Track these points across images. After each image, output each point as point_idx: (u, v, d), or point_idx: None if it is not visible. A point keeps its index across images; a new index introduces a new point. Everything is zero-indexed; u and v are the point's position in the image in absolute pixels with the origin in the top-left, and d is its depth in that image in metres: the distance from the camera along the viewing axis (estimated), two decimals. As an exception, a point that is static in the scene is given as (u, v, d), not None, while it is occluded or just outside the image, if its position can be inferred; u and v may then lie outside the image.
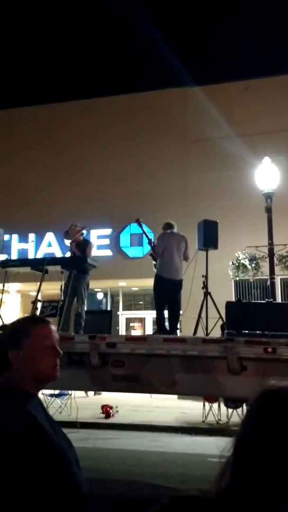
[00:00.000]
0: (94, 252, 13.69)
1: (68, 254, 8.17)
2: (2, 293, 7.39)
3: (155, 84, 16.16)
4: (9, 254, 12.31)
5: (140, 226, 7.60)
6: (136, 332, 15.68)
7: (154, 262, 7.24)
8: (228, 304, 5.79)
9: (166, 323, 6.89)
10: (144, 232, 7.71)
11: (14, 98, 19.24)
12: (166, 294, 6.79)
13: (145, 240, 8.19)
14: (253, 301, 11.31)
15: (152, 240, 7.51)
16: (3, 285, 7.01)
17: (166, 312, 6.98)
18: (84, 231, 7.79)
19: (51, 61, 26.33)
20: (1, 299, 7.56)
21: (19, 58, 26.43)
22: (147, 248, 13.08)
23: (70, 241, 7.61)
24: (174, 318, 6.94)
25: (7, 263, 7.31)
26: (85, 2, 26.97)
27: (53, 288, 7.55)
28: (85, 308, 7.13)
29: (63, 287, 7.09)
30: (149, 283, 11.86)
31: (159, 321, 6.87)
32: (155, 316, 14.50)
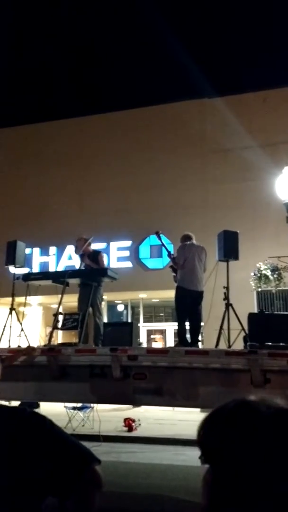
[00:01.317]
0: (114, 264, 13.86)
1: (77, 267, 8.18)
2: (25, 306, 7.48)
3: (175, 95, 16.29)
4: (31, 267, 12.46)
5: (159, 238, 7.59)
6: (157, 344, 15.60)
7: (174, 274, 7.22)
8: (251, 316, 5.71)
9: (188, 335, 6.84)
10: (163, 244, 7.70)
11: (40, 113, 19.67)
12: (188, 306, 6.74)
13: (165, 252, 8.18)
14: (276, 312, 11.13)
15: (171, 252, 7.50)
16: (25, 298, 7.08)
17: (187, 324, 6.94)
18: (91, 241, 7.81)
19: (76, 77, 26.84)
20: (24, 312, 7.65)
21: (44, 73, 27.02)
22: (167, 259, 13.06)
23: (80, 254, 7.70)
24: (196, 330, 6.89)
25: (29, 276, 7.39)
26: (105, 15, 27.46)
27: (74, 301, 7.58)
28: (104, 319, 7.14)
29: (78, 300, 7.13)
30: (170, 294, 11.83)
31: (180, 333, 6.82)
32: (176, 328, 14.39)
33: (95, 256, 7.54)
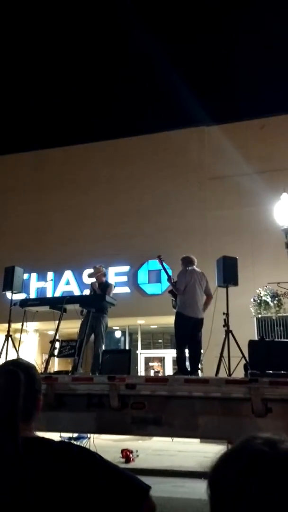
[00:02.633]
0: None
1: (86, 292, 8.19)
2: (21, 332, 7.37)
3: (173, 123, 16.58)
4: (28, 293, 12.37)
5: (161, 262, 7.55)
6: (153, 372, 15.35)
7: (173, 299, 7.15)
8: (251, 343, 5.62)
9: (187, 363, 6.71)
10: (164, 268, 7.66)
11: (40, 140, 19.95)
12: (188, 333, 6.64)
13: (164, 276, 8.14)
14: (276, 339, 11.00)
15: (171, 276, 7.44)
16: (22, 325, 6.99)
17: (186, 351, 6.82)
18: (101, 269, 7.92)
19: (75, 105, 27.35)
20: (20, 338, 7.54)
21: (45, 102, 27.54)
22: (165, 284, 12.99)
23: (92, 280, 7.73)
24: (196, 357, 6.77)
25: (27, 302, 7.32)
26: (102, 43, 28.23)
27: (71, 327, 7.50)
28: (103, 348, 7.05)
29: (80, 326, 7.04)
30: (168, 320, 11.72)
31: (180, 361, 6.68)
32: (175, 355, 14.21)
33: (105, 286, 7.59)
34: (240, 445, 0.82)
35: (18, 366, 1.37)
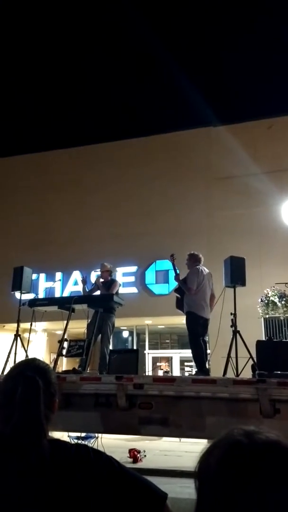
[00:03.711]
0: (120, 289, 13.78)
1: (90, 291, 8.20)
2: (30, 332, 7.42)
3: (180, 124, 16.57)
4: (36, 293, 12.43)
5: (173, 261, 7.44)
6: (162, 372, 15.36)
7: (178, 296, 7.05)
8: (259, 343, 5.60)
9: (192, 363, 6.69)
10: (175, 268, 7.54)
11: (46, 142, 20.04)
12: (200, 333, 6.64)
13: (172, 274, 8.08)
14: (284, 339, 10.95)
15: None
16: (31, 324, 7.03)
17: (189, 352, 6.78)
18: (109, 269, 7.93)
19: (81, 106, 27.44)
20: (29, 338, 7.59)
21: (49, 103, 27.65)
22: (173, 284, 12.99)
23: (98, 277, 7.75)
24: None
25: (35, 302, 7.36)
26: (109, 43, 28.29)
27: (79, 327, 7.53)
28: (110, 348, 7.07)
29: (88, 326, 7.07)
30: (176, 321, 11.73)
31: (201, 361, 6.60)
32: (182, 355, 14.16)
33: (110, 284, 7.58)
34: (221, 436, 0.85)
35: (36, 371, 1.35)
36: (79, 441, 8.89)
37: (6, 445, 1.24)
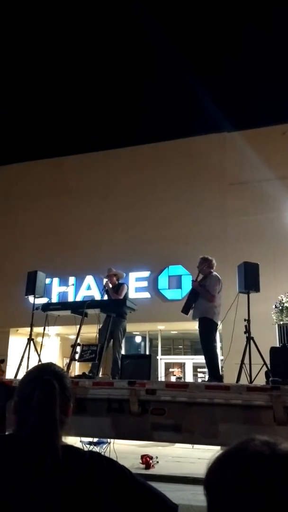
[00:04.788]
0: (132, 294, 13.81)
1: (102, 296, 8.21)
2: (43, 337, 7.45)
3: (194, 130, 16.59)
4: (50, 298, 12.50)
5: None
6: (174, 378, 15.29)
7: (190, 299, 6.92)
8: (273, 350, 5.55)
9: (205, 369, 6.66)
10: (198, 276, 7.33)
11: (61, 147, 20.23)
12: (215, 339, 6.62)
13: (187, 280, 7.98)
14: (298, 346, 10.80)
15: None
16: (44, 329, 7.06)
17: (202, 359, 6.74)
18: (122, 275, 7.97)
19: (95, 111, 27.63)
20: (42, 342, 7.62)
21: (65, 109, 27.91)
22: (186, 290, 12.95)
23: (106, 281, 7.78)
24: None
25: (48, 306, 7.40)
26: (125, 49, 28.46)
27: (92, 332, 7.54)
28: (122, 352, 7.06)
29: (100, 331, 7.07)
30: (188, 326, 11.67)
31: (216, 368, 6.58)
32: (195, 361, 14.05)
33: (118, 287, 7.62)
34: (238, 446, 0.82)
35: (53, 376, 1.36)
36: (92, 447, 8.88)
37: (21, 449, 1.24)
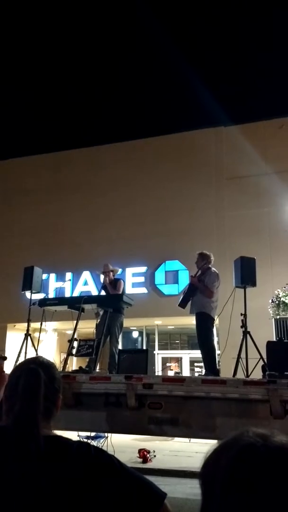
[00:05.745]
0: (129, 290, 13.82)
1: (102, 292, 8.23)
2: (40, 332, 7.46)
3: (190, 124, 16.55)
4: (47, 293, 12.49)
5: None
6: (173, 372, 15.35)
7: (187, 294, 6.92)
8: (269, 344, 5.57)
9: (201, 364, 6.68)
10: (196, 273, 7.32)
11: (59, 142, 20.16)
12: (213, 333, 6.64)
13: (183, 275, 8.02)
14: (295, 340, 10.86)
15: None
16: (41, 324, 7.07)
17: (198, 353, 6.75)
18: (117, 271, 8.01)
19: (92, 107, 27.52)
20: (39, 337, 7.63)
21: (61, 104, 27.78)
22: (182, 285, 12.96)
23: (105, 278, 7.81)
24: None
25: (45, 302, 7.39)
26: (121, 43, 28.33)
27: (89, 327, 7.56)
28: (119, 346, 7.07)
29: (97, 326, 7.09)
30: (185, 321, 11.69)
31: (214, 362, 6.60)
32: (192, 355, 14.08)
33: (115, 283, 7.65)
34: (232, 437, 0.83)
35: (39, 365, 1.39)
36: (89, 441, 8.91)
37: (8, 437, 1.25)
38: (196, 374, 13.79)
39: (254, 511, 0.73)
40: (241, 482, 0.75)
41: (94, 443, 9.03)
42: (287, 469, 0.76)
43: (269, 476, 0.75)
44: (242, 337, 6.28)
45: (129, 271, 14.45)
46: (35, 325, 7.64)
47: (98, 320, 7.13)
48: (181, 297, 7.02)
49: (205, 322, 6.61)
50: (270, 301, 11.56)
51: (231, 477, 0.77)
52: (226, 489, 0.77)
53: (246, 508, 0.73)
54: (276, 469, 0.75)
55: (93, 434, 8.78)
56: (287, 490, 0.74)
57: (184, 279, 13.11)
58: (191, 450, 10.42)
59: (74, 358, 9.18)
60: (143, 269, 14.57)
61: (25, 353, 6.94)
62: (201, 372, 8.30)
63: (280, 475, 0.75)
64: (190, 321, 7.26)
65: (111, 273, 7.91)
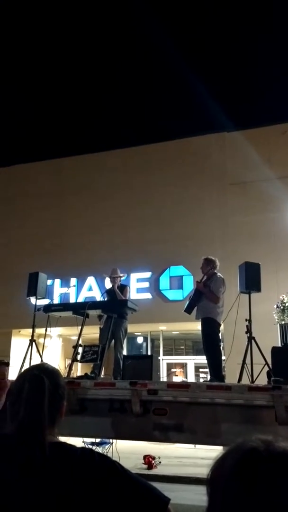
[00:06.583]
0: (134, 295, 13.82)
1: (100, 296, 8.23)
2: (45, 338, 7.47)
3: (194, 129, 16.59)
4: (51, 299, 12.52)
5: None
6: (178, 378, 15.29)
7: (195, 303, 6.91)
8: (274, 350, 5.55)
9: (206, 370, 6.66)
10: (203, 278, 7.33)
11: (60, 148, 20.25)
12: (219, 339, 6.62)
13: (191, 280, 8.00)
14: (300, 346, 10.79)
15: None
16: (46, 330, 7.08)
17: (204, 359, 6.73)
18: (123, 276, 8.00)
19: (95, 112, 27.65)
20: (44, 343, 7.64)
21: (65, 110, 27.93)
22: (187, 290, 12.95)
23: (114, 283, 7.80)
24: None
25: (50, 307, 7.41)
26: (124, 48, 28.47)
27: (93, 332, 7.56)
28: (123, 352, 7.06)
29: (102, 332, 7.08)
30: (190, 327, 11.68)
31: (219, 368, 6.58)
32: (197, 361, 14.02)
33: (122, 289, 7.66)
34: (238, 443, 0.85)
35: (44, 372, 1.39)
36: (94, 447, 8.88)
37: (11, 443, 1.26)
38: (201, 380, 13.74)
39: None
40: (244, 486, 0.77)
41: (99, 449, 9.00)
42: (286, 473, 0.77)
43: (272, 481, 0.76)
44: (247, 342, 6.26)
45: (134, 276, 14.46)
46: (40, 330, 7.65)
47: (102, 325, 7.14)
48: (187, 302, 7.01)
49: (211, 328, 6.59)
50: (275, 306, 11.49)
51: (234, 481, 0.78)
52: (229, 493, 0.78)
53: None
54: (278, 473, 0.77)
55: (98, 440, 8.76)
56: (286, 494, 0.75)
57: (189, 285, 13.10)
58: (196, 456, 10.36)
59: (79, 364, 9.18)
60: (147, 274, 14.58)
61: (30, 358, 6.95)
62: (206, 378, 8.27)
63: (282, 479, 0.76)
64: (195, 326, 7.26)
65: (119, 278, 7.91)
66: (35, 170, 16.91)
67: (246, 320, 6.44)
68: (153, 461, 9.23)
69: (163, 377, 14.23)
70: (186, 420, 5.05)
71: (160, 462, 9.49)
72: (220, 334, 6.72)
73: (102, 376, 6.60)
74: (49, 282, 10.43)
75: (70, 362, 6.84)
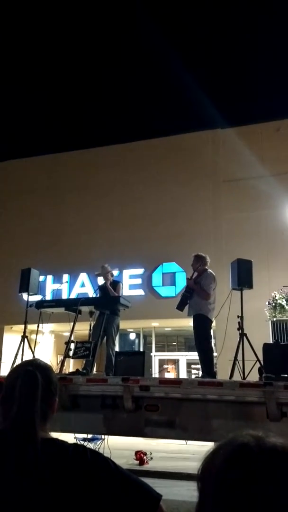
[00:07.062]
0: (126, 292, 13.82)
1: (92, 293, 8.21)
2: (37, 334, 7.44)
3: (187, 126, 16.58)
4: (44, 295, 12.48)
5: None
6: (170, 374, 15.34)
7: (187, 294, 6.90)
8: (266, 346, 5.57)
9: (198, 366, 6.67)
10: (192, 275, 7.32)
11: (53, 145, 20.16)
12: (211, 335, 6.64)
13: (182, 277, 8.02)
14: (291, 342, 10.88)
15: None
16: (38, 326, 7.06)
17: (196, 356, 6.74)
18: (115, 272, 7.99)
19: (88, 109, 27.55)
20: (36, 339, 7.62)
21: (60, 106, 27.80)
22: (180, 287, 12.97)
23: (102, 280, 7.81)
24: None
25: (42, 303, 7.39)
26: (117, 46, 28.38)
27: (86, 329, 7.55)
28: (116, 348, 7.06)
29: (94, 328, 7.08)
30: (182, 323, 11.72)
31: (211, 364, 6.59)
32: (189, 357, 14.10)
33: (115, 286, 7.64)
34: (228, 439, 0.85)
35: (37, 367, 1.38)
36: (86, 443, 8.88)
37: (5, 439, 1.26)
38: (193, 376, 13.80)
39: (246, 510, 0.74)
40: (234, 482, 0.77)
41: (90, 445, 9.00)
42: (279, 469, 0.77)
43: (262, 476, 0.76)
44: (238, 339, 6.29)
45: (126, 273, 14.45)
46: (32, 327, 7.63)
47: (93, 321, 7.13)
48: (179, 300, 7.03)
49: (202, 324, 6.60)
50: (267, 303, 11.58)
51: (224, 476, 0.79)
52: (219, 488, 0.78)
53: (238, 507, 0.75)
54: (268, 468, 0.77)
55: (89, 436, 8.77)
56: (279, 489, 0.75)
57: (181, 281, 13.13)
58: (187, 452, 10.41)
59: (71, 360, 9.17)
60: (140, 271, 14.57)
61: (22, 355, 6.93)
62: (198, 374, 8.31)
63: (272, 474, 0.76)
64: (187, 323, 7.27)
65: (110, 274, 7.91)
66: (28, 166, 16.82)
67: (238, 316, 6.47)
68: (144, 457, 9.26)
69: (155, 373, 14.27)
70: (178, 417, 5.06)
71: (151, 458, 9.52)
72: (212, 331, 6.73)
73: (94, 372, 6.60)
74: (41, 278, 10.40)
75: (62, 358, 6.83)
